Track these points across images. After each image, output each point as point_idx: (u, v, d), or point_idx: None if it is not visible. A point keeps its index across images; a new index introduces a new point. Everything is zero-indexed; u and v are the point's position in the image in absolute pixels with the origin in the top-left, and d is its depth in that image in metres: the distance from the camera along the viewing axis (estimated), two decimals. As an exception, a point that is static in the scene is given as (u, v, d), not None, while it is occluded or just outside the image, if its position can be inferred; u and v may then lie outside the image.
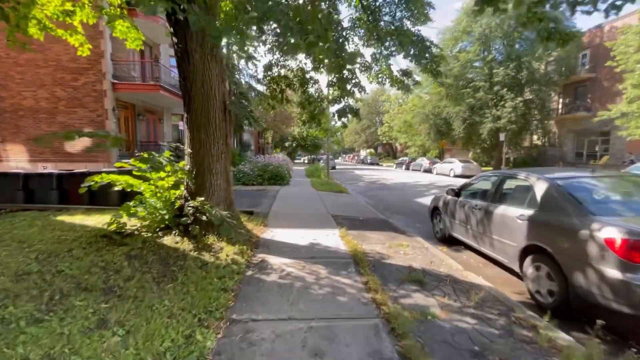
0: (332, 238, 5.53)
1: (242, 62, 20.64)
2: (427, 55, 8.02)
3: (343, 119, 8.75)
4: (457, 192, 5.56)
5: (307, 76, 9.39)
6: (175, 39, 4.93)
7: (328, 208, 8.64)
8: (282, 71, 9.56)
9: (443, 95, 26.64)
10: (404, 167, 33.45)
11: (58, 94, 11.87)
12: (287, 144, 38.49)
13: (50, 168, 11.19)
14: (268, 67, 9.21)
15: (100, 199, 7.43)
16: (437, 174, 25.15)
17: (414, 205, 10.15)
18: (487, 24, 21.98)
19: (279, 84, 9.37)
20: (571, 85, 24.66)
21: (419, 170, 29.19)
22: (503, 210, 4.33)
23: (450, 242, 5.81)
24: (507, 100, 21.27)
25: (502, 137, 20.96)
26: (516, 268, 3.99)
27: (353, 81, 8.34)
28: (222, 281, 3.48)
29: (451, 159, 24.45)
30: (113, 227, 4.57)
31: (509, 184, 4.76)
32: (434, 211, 6.39)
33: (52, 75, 11.84)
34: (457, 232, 5.51)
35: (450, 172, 23.13)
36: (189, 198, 5.04)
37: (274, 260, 4.37)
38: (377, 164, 46.86)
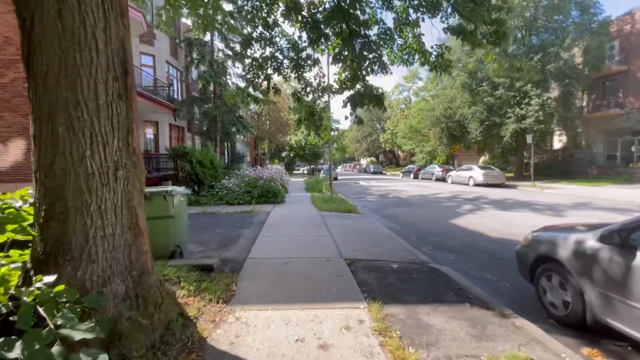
0: (359, 337, 2.66)
1: (229, 62, 18.09)
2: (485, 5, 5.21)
3: (355, 113, 6.00)
4: (622, 236, 2.67)
5: (303, 55, 6.64)
6: None
7: (338, 243, 5.77)
8: (268, 50, 6.81)
9: (455, 96, 24.04)
10: (412, 175, 30.64)
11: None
12: (284, 154, 35.75)
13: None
14: (246, 43, 6.46)
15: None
16: (452, 182, 22.35)
17: (456, 232, 7.27)
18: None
19: (263, 67, 6.63)
20: (599, 80, 22.06)
21: (430, 179, 26.39)
22: None
23: (593, 329, 2.93)
24: (533, 97, 18.59)
25: (529, 139, 18.22)
26: None
27: (371, 56, 5.61)
28: None
29: (470, 165, 21.66)
30: None
31: None
32: (541, 264, 3.48)
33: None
34: (628, 319, 2.60)
35: (469, 180, 20.32)
36: (32, 275, 2.19)
37: None
38: (381, 173, 44.07)
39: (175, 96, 16.78)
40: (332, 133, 12.25)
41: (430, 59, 6.14)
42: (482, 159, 30.33)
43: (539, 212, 9.65)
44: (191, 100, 15.35)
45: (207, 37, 17.34)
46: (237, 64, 18.34)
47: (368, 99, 5.15)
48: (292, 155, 32.80)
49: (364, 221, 8.31)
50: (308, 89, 6.91)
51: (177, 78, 17.05)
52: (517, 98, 19.44)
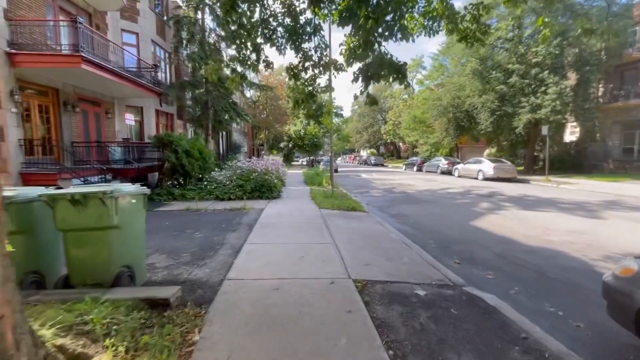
0: None
1: (223, 45, 16.65)
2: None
3: (367, 91, 4.75)
4: None
5: (301, 20, 5.35)
6: None
7: (344, 255, 4.61)
8: (257, 12, 5.51)
9: (464, 84, 22.65)
10: (415, 168, 29.43)
11: None
12: (282, 145, 34.42)
13: None
14: (229, 3, 5.14)
15: None
16: (459, 176, 21.16)
17: (482, 238, 6.10)
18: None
19: (251, 35, 5.34)
20: (617, 69, 20.67)
21: (435, 172, 25.20)
22: None
23: None
24: (550, 85, 17.24)
25: (544, 130, 16.95)
26: None
27: (389, 17, 4.35)
28: None
29: (478, 158, 20.44)
30: None
31: None
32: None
33: None
34: None
35: (478, 174, 19.12)
36: None
37: None
38: (382, 165, 42.81)
39: (164, 80, 15.41)
40: (335, 120, 10.98)
41: (461, 24, 4.85)
42: (486, 151, 29.08)
43: (568, 212, 8.49)
44: (180, 84, 14.00)
45: (198, 16, 15.87)
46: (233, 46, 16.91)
47: (388, 69, 3.90)
48: (290, 146, 31.45)
49: (371, 222, 7.13)
50: (307, 64, 5.63)
51: (165, 60, 15.65)
52: (533, 86, 18.09)
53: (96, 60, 8.83)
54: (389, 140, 52.24)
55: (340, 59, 5.70)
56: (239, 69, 5.94)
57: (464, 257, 5.03)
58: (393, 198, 11.62)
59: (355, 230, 6.23)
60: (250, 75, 30.33)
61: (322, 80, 5.86)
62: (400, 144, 53.71)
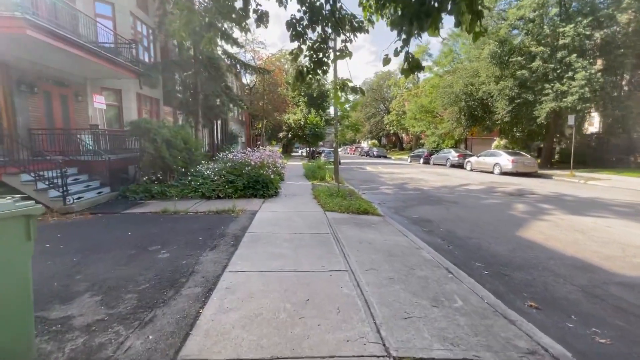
0: None
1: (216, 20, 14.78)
2: None
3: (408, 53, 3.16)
4: None
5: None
6: None
7: (368, 296, 3.07)
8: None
9: (478, 69, 20.87)
10: (421, 160, 27.81)
11: None
12: (281, 135, 32.68)
13: None
14: None
15: None
16: (471, 170, 19.60)
17: (547, 260, 4.56)
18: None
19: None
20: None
21: (444, 165, 23.64)
22: None
23: None
24: (578, 69, 15.51)
25: (570, 120, 15.32)
26: None
27: None
28: None
29: (495, 150, 18.84)
30: None
31: None
32: None
33: None
34: None
35: (494, 168, 17.56)
36: None
37: None
38: (385, 157, 41.16)
39: (147, 60, 13.66)
40: (350, 98, 9.30)
41: None
42: (494, 143, 27.45)
43: (632, 219, 6.96)
44: (164, 64, 12.26)
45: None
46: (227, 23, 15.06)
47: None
48: (290, 136, 29.70)
49: (391, 232, 5.59)
50: (313, 18, 4.00)
51: (148, 38, 13.86)
52: (558, 71, 16.35)
53: (48, 26, 7.11)
54: (392, 131, 50.45)
55: (359, 13, 4.10)
56: (220, 24, 4.26)
57: (537, 294, 3.50)
58: (408, 196, 10.07)
59: (374, 246, 4.70)
60: (246, 56, 28.26)
61: (335, 42, 4.23)
62: (403, 135, 51.96)
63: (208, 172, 9.37)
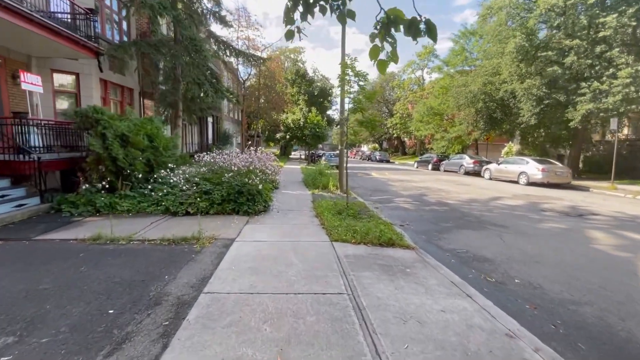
0: None
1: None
2: None
3: None
4: None
5: None
6: None
7: None
8: None
9: (499, 66, 18.74)
10: (430, 166, 25.64)
11: None
12: (278, 136, 30.44)
13: None
14: None
15: None
16: (490, 178, 17.43)
17: None
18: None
19: None
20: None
21: (457, 172, 21.51)
22: None
23: None
24: (621, 66, 13.42)
25: (613, 124, 13.21)
26: None
27: None
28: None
29: (521, 157, 16.66)
30: None
31: None
32: None
33: None
34: None
35: (519, 177, 15.39)
36: None
37: None
38: (388, 162, 39.07)
39: (118, 40, 11.41)
40: (361, 85, 6.93)
41: None
42: (504, 149, 25.31)
43: None
44: (134, 43, 9.98)
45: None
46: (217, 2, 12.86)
47: None
48: (288, 137, 27.42)
49: (439, 286, 3.34)
50: None
51: (119, 13, 11.62)
52: (597, 67, 14.24)
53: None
54: (395, 135, 48.34)
55: None
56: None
57: None
58: (435, 214, 7.85)
59: (430, 330, 2.45)
60: (238, 43, 25.92)
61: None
62: (406, 139, 49.85)
63: (176, 178, 7.11)
